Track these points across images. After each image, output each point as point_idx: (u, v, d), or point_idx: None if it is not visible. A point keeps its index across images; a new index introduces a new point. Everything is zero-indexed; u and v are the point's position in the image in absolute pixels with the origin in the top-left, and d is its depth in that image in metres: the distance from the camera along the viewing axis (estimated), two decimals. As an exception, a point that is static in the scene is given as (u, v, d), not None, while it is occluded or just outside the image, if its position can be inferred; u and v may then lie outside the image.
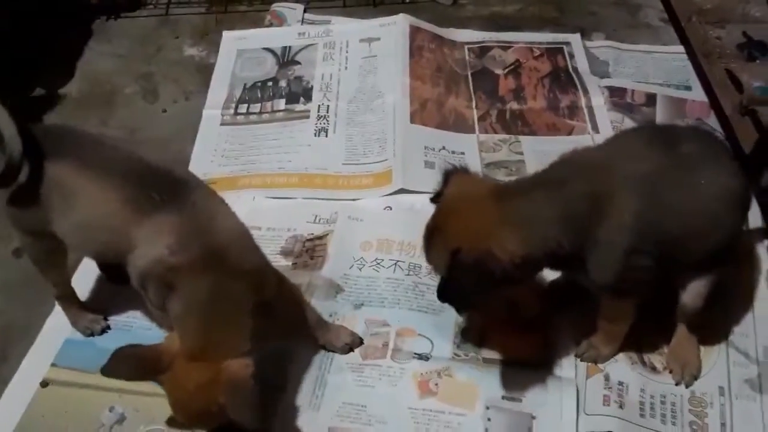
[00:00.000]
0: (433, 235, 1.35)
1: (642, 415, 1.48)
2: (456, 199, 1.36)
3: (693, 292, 1.45)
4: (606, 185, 1.30)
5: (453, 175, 1.39)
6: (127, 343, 1.27)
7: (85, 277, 1.75)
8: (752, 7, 2.13)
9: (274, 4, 2.55)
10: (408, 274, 1.73)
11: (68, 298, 1.65)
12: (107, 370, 1.26)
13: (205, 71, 2.33)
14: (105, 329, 1.66)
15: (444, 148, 2.03)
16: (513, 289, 1.59)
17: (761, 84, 1.84)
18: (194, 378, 1.24)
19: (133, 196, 1.30)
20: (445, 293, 1.36)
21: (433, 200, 1.42)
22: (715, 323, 1.61)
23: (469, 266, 1.25)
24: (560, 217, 1.29)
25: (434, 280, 1.67)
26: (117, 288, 1.66)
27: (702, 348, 1.57)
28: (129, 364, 1.26)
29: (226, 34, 2.42)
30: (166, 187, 1.32)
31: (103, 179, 1.32)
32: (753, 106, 1.80)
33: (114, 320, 1.68)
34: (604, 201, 1.30)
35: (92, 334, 1.65)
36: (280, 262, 1.77)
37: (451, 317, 1.65)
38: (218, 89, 2.24)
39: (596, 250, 1.30)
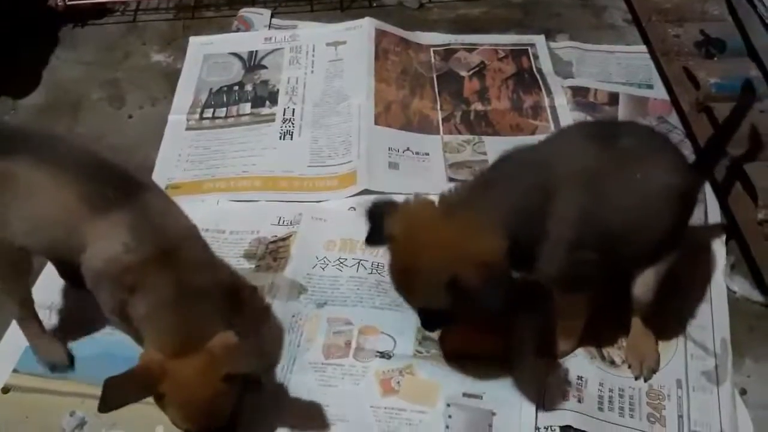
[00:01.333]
0: (412, 276, 1.26)
1: (600, 409, 1.50)
2: (413, 232, 1.27)
3: (642, 285, 1.46)
4: (551, 180, 1.31)
5: (385, 212, 1.31)
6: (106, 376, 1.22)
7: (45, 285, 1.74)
8: (711, 5, 2.15)
9: (242, 10, 2.55)
10: (371, 273, 1.74)
11: (31, 321, 1.58)
12: (106, 405, 1.19)
13: (171, 77, 2.33)
14: (68, 365, 1.59)
15: (408, 149, 2.04)
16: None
17: (717, 81, 1.87)
18: (191, 370, 1.23)
19: (88, 192, 1.30)
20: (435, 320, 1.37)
21: (370, 242, 1.36)
22: (673, 316, 1.63)
23: (481, 285, 1.19)
24: (515, 212, 1.29)
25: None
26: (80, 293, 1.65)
27: (660, 341, 1.59)
28: (124, 390, 1.22)
29: (193, 40, 2.42)
30: (120, 184, 1.33)
31: (57, 174, 1.32)
32: (709, 103, 1.83)
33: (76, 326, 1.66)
34: (550, 195, 1.31)
35: (55, 368, 1.59)
36: (243, 265, 1.78)
37: (413, 314, 1.65)
38: (184, 94, 2.25)
39: (545, 245, 1.32)
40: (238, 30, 2.48)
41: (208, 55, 2.37)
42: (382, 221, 1.31)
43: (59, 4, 2.49)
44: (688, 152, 1.88)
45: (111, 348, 1.59)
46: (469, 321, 1.48)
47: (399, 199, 1.36)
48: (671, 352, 1.59)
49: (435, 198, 1.34)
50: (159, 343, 1.26)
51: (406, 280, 1.29)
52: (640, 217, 1.36)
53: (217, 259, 1.48)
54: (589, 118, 2.11)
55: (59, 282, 1.74)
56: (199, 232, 1.40)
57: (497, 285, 1.21)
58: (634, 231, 1.36)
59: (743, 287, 1.69)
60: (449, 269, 1.21)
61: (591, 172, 1.33)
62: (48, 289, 1.73)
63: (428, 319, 1.40)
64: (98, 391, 1.42)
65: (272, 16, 2.53)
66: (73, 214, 1.30)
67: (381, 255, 1.76)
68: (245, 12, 2.54)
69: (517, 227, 1.28)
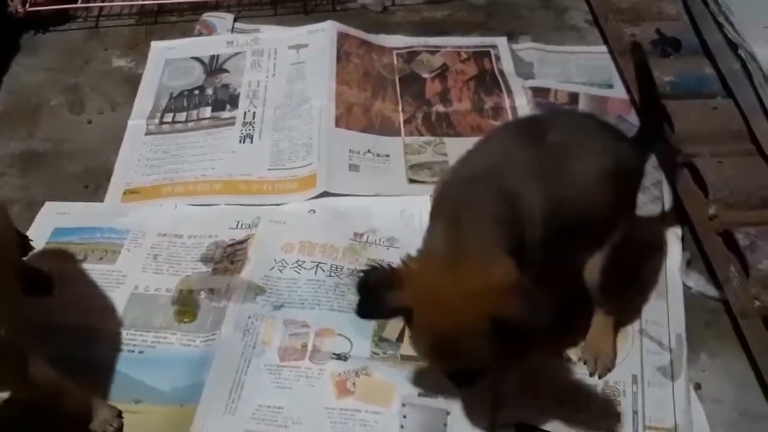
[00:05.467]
0: (451, 341, 1.20)
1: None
2: (430, 297, 1.20)
3: (591, 270, 1.47)
4: (509, 186, 1.31)
5: (381, 282, 1.25)
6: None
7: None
8: (667, 4, 2.17)
9: (205, 14, 2.55)
10: (329, 276, 1.73)
11: None
12: None
13: (132, 82, 2.32)
14: None
15: (369, 151, 2.04)
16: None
17: (672, 79, 1.88)
18: None
19: None
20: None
21: (364, 315, 1.29)
22: (629, 313, 1.64)
23: (522, 307, 1.15)
24: (495, 225, 1.27)
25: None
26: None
27: (616, 338, 1.59)
28: None
29: (155, 45, 2.41)
30: None
31: None
32: (663, 101, 1.84)
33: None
34: (513, 200, 1.30)
35: None
36: (200, 269, 1.76)
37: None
38: (145, 99, 2.23)
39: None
40: (200, 34, 2.48)
41: (169, 59, 2.36)
42: (377, 292, 1.24)
43: (19, 10, 2.47)
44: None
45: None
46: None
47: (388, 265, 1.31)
48: (627, 348, 1.59)
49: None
50: None
51: (446, 348, 1.22)
52: (582, 207, 1.35)
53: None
54: (549, 118, 2.12)
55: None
56: None
57: (535, 298, 1.16)
58: (579, 221, 1.35)
59: (698, 283, 1.70)
60: (484, 313, 1.16)
61: (533, 172, 1.32)
62: None
63: (465, 377, 1.34)
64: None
65: (235, 20, 2.53)
66: None
67: (339, 258, 1.77)
68: (208, 16, 2.54)
69: (504, 237, 1.26)
